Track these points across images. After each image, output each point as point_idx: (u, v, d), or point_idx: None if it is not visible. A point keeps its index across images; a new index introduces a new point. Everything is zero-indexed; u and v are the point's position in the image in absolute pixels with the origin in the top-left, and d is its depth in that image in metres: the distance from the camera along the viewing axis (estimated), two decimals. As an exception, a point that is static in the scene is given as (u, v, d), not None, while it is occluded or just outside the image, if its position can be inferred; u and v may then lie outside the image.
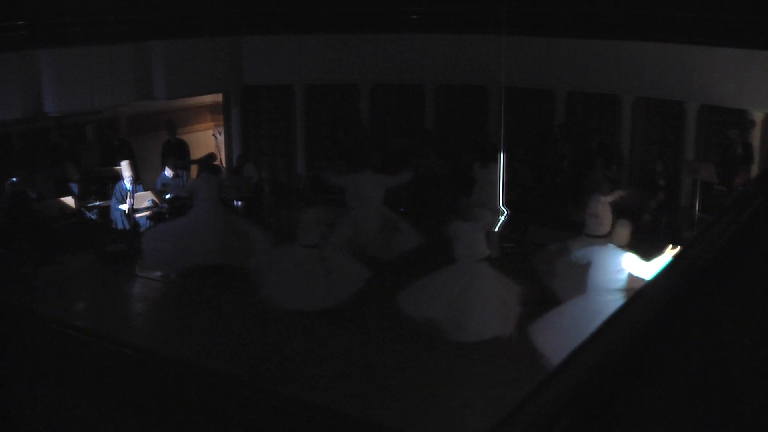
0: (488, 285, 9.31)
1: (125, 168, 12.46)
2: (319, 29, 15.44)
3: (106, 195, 12.85)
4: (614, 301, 7.85)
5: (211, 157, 12.76)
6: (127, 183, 12.37)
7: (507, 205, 10.68)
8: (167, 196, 12.72)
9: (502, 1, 10.52)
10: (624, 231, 8.25)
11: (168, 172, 12.97)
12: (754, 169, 12.14)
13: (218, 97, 16.35)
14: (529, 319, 8.94)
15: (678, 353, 1.90)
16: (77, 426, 7.69)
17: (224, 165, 15.21)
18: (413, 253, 11.62)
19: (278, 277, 10.12)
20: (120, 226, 12.46)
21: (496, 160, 10.98)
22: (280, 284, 10.06)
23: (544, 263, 10.36)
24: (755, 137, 12.50)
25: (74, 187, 12.60)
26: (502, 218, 10.74)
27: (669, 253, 7.62)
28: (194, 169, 13.80)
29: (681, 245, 7.52)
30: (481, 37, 14.30)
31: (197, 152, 14.53)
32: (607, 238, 9.06)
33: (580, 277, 8.61)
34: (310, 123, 16.05)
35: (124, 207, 12.33)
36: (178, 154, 13.78)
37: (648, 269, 7.68)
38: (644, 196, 12.23)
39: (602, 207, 10.10)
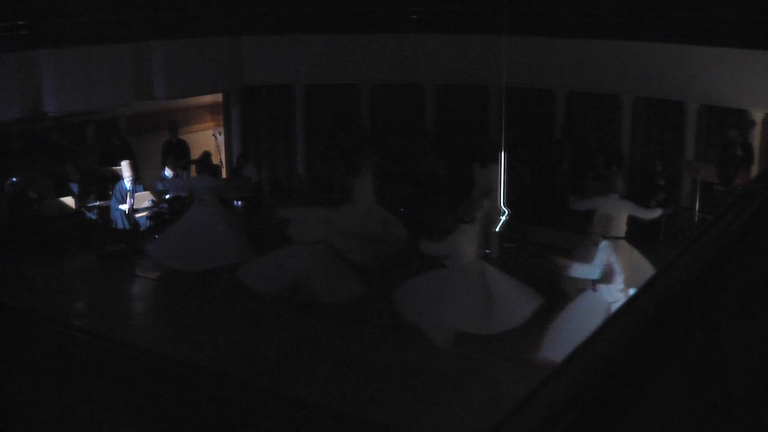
0: (496, 279, 9.37)
1: (125, 168, 12.46)
2: (319, 29, 15.44)
3: (106, 195, 12.85)
4: (615, 297, 7.90)
5: (206, 155, 12.77)
6: (127, 183, 12.37)
7: (507, 205, 10.68)
8: (167, 196, 12.73)
9: (502, 1, 10.52)
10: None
11: (168, 172, 12.98)
12: (754, 170, 12.14)
13: (218, 97, 16.35)
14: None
15: (678, 353, 1.90)
16: (77, 426, 7.69)
17: (224, 165, 15.21)
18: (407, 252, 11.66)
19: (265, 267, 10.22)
20: (120, 226, 12.46)
21: (496, 160, 10.99)
22: (263, 272, 10.15)
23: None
24: (755, 137, 12.49)
25: (74, 187, 12.60)
26: (503, 218, 10.75)
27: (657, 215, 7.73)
28: (195, 168, 13.81)
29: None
30: (481, 37, 14.29)
31: (197, 152, 14.52)
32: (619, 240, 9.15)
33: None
34: (310, 123, 16.06)
35: (124, 207, 12.33)
36: (178, 154, 13.78)
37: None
38: (644, 197, 12.24)
39: (612, 208, 10.03)
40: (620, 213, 9.82)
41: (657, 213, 10.30)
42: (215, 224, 11.42)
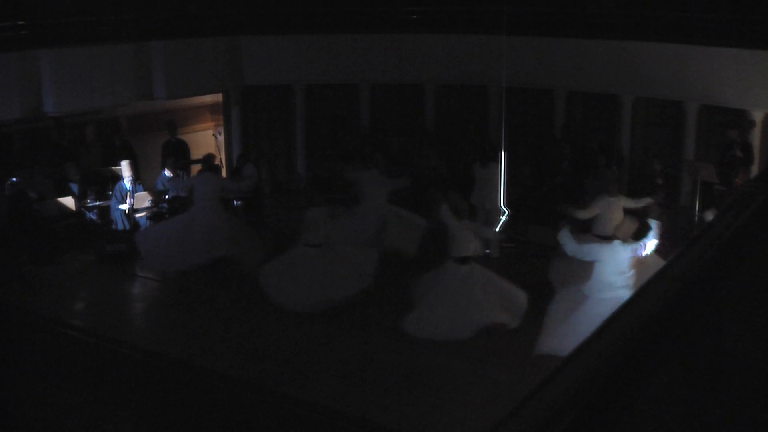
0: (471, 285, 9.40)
1: (125, 168, 12.46)
2: (319, 29, 15.44)
3: (106, 195, 12.85)
4: (621, 299, 7.89)
5: (211, 157, 12.75)
6: (127, 183, 12.37)
7: (507, 205, 10.67)
8: (167, 197, 12.73)
9: (502, 1, 10.52)
10: (631, 225, 8.38)
11: (168, 172, 12.99)
12: (754, 169, 12.14)
13: (218, 97, 16.35)
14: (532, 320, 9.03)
15: (678, 353, 1.90)
16: (77, 426, 7.69)
17: (224, 165, 15.21)
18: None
19: (283, 278, 10.15)
20: (120, 226, 12.46)
21: (496, 160, 10.98)
22: (285, 285, 10.09)
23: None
24: (755, 137, 12.50)
25: (74, 187, 12.60)
26: (502, 218, 10.74)
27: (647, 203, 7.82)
28: (195, 168, 13.80)
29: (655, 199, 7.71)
30: (481, 37, 14.29)
31: (197, 152, 14.52)
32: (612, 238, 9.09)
33: (583, 274, 8.64)
34: (310, 123, 16.05)
35: (124, 207, 12.33)
36: (178, 154, 13.79)
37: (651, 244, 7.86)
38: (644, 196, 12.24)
39: (612, 207, 10.13)
40: (619, 209, 9.96)
41: (645, 201, 10.46)
42: (216, 219, 11.45)
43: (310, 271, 9.99)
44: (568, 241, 8.55)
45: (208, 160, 12.53)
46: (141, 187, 12.71)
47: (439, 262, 9.84)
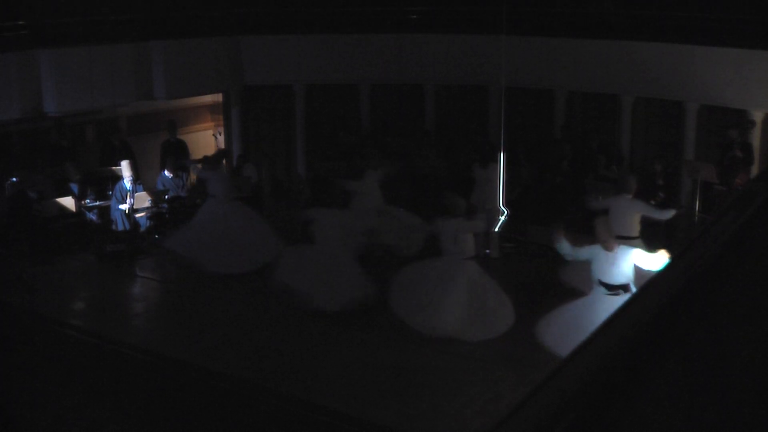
0: (463, 284, 9.35)
1: (125, 168, 12.46)
2: (319, 29, 15.44)
3: (106, 195, 12.86)
4: (619, 299, 7.88)
5: (221, 153, 12.79)
6: (127, 183, 12.37)
7: (507, 205, 10.67)
8: (167, 197, 12.73)
9: (502, 1, 10.53)
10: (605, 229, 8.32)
11: (168, 173, 12.99)
12: (754, 170, 12.14)
13: (218, 97, 16.35)
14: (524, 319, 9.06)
15: (678, 353, 1.90)
16: (77, 426, 7.69)
17: (224, 165, 15.22)
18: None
19: (296, 276, 10.16)
20: (120, 226, 12.46)
21: (496, 160, 10.98)
22: (295, 283, 10.09)
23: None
24: (755, 137, 12.49)
25: (74, 187, 12.60)
26: (502, 218, 10.74)
27: (665, 255, 7.70)
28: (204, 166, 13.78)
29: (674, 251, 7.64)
30: (481, 37, 14.30)
31: (197, 152, 14.52)
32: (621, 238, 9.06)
33: (585, 274, 8.64)
34: (310, 123, 16.06)
35: (124, 207, 12.33)
36: (177, 154, 13.79)
37: (654, 261, 7.76)
38: (644, 197, 12.22)
39: (625, 208, 10.05)
40: (633, 213, 9.85)
41: (671, 214, 10.20)
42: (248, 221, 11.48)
43: (316, 270, 10.00)
44: (564, 245, 8.52)
45: (217, 159, 12.56)
46: (141, 187, 12.71)
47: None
